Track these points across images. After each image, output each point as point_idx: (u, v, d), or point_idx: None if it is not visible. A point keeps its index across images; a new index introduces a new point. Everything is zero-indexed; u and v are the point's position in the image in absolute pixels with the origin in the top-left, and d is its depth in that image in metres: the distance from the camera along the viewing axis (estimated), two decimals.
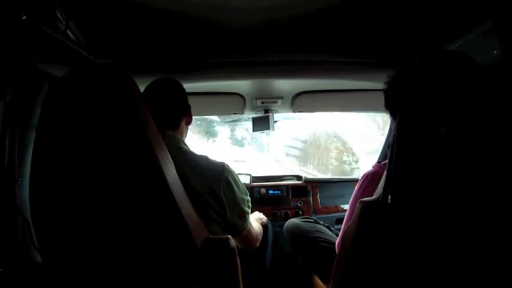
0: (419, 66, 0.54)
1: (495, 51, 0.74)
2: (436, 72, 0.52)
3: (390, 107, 0.94)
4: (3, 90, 0.76)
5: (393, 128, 1.00)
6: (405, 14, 0.86)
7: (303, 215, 1.65)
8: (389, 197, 0.54)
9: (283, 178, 1.89)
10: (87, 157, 0.52)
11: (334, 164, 2.81)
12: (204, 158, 0.82)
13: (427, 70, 0.53)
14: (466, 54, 0.53)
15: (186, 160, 0.78)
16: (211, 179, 0.78)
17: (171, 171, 0.54)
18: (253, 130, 1.67)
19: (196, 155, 0.82)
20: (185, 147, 0.84)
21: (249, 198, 0.89)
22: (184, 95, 0.92)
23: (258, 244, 0.99)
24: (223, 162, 0.84)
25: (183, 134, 0.91)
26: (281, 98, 1.46)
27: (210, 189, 0.77)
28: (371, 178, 0.90)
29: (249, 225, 0.90)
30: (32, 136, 0.83)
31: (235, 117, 1.89)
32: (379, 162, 0.97)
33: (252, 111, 1.63)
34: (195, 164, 0.79)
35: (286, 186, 1.79)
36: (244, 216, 0.87)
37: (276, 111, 1.64)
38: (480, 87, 0.51)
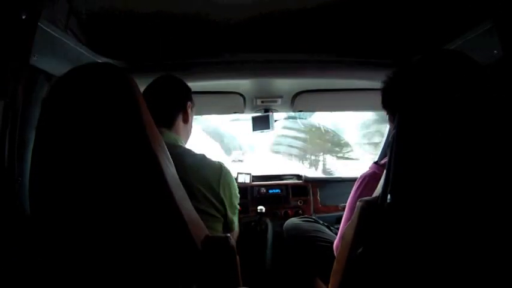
0: (420, 65, 0.54)
1: (495, 51, 0.74)
2: (436, 72, 0.52)
3: (389, 106, 0.94)
4: (2, 89, 0.75)
5: (392, 127, 1.00)
6: (405, 13, 0.86)
7: (303, 214, 1.65)
8: (389, 197, 0.54)
9: (283, 177, 1.89)
10: (87, 156, 0.52)
11: None
12: (202, 157, 0.83)
13: (427, 70, 0.53)
14: (466, 54, 0.53)
15: (184, 159, 0.78)
16: (211, 177, 0.80)
17: (170, 171, 0.54)
18: (253, 129, 1.67)
19: (194, 153, 0.83)
20: (182, 145, 0.84)
21: (238, 195, 0.92)
22: (180, 91, 0.91)
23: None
24: (220, 162, 0.85)
25: (179, 132, 0.89)
26: (281, 97, 1.46)
27: (209, 187, 0.78)
28: (368, 179, 0.90)
29: (236, 222, 0.94)
30: (32, 136, 0.83)
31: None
32: (375, 163, 0.97)
33: (252, 111, 1.63)
34: (193, 162, 0.79)
35: (286, 185, 1.79)
36: (236, 214, 0.91)
37: (276, 111, 1.64)
38: (480, 87, 0.51)
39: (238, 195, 0.91)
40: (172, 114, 0.88)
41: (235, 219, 0.91)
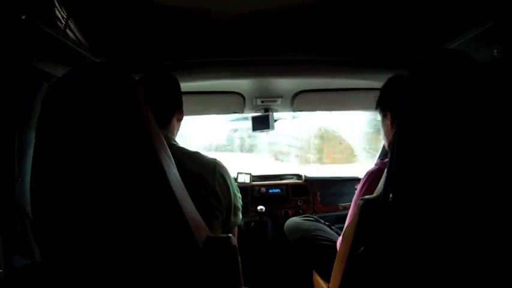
0: (420, 65, 0.54)
1: (495, 51, 0.74)
2: (436, 72, 0.52)
3: (390, 106, 0.94)
4: (2, 90, 0.75)
5: (387, 126, 1.01)
6: (405, 13, 0.86)
7: (303, 214, 1.65)
8: (391, 195, 0.54)
9: (283, 177, 1.90)
10: (88, 156, 0.52)
11: None
12: (197, 154, 0.82)
13: (428, 69, 0.53)
14: (467, 54, 0.53)
15: (178, 157, 0.76)
16: (206, 174, 0.78)
17: (172, 170, 0.54)
18: (253, 129, 1.67)
19: (188, 151, 0.82)
20: (176, 144, 0.83)
21: (240, 195, 0.90)
22: (177, 90, 0.90)
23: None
24: (216, 158, 0.84)
25: (174, 130, 0.89)
26: (281, 97, 1.46)
27: (204, 184, 0.77)
28: (374, 176, 0.90)
29: (239, 222, 0.91)
30: (32, 136, 0.83)
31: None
32: (381, 159, 0.98)
33: (252, 110, 1.63)
34: (188, 160, 0.78)
35: (287, 185, 1.79)
36: (237, 213, 0.88)
37: (276, 110, 1.64)
38: (480, 87, 0.51)
39: (239, 194, 0.89)
40: (170, 115, 0.87)
41: (237, 219, 0.89)
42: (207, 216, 0.77)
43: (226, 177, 0.83)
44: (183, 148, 0.83)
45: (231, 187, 0.84)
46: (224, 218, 0.83)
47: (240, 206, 0.89)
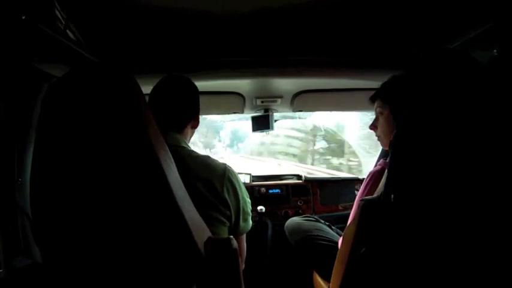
0: (422, 65, 0.54)
1: (495, 51, 0.74)
2: (438, 72, 0.52)
3: (392, 106, 0.94)
4: (3, 90, 0.75)
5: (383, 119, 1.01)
6: (405, 13, 0.86)
7: (303, 214, 1.65)
8: (392, 196, 0.54)
9: (283, 177, 1.90)
10: (88, 157, 0.52)
11: None
12: (206, 158, 0.81)
13: (430, 69, 0.53)
14: (468, 53, 0.53)
15: (188, 160, 0.76)
16: (214, 179, 0.77)
17: (172, 172, 0.54)
18: (253, 130, 1.67)
19: (198, 155, 0.81)
20: (187, 147, 0.83)
21: (249, 200, 0.88)
22: (194, 97, 0.89)
23: (243, 256, 0.95)
24: (225, 163, 0.83)
25: (187, 136, 0.89)
26: (281, 97, 1.46)
27: (213, 189, 0.76)
28: (377, 176, 0.90)
29: (249, 228, 0.89)
30: (32, 136, 0.83)
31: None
32: (384, 159, 0.97)
33: (252, 111, 1.63)
34: (197, 164, 0.78)
35: (286, 185, 1.79)
36: (246, 218, 0.87)
37: (276, 111, 1.64)
38: (481, 87, 0.51)
39: (249, 199, 0.87)
40: (185, 121, 0.87)
41: (247, 224, 0.87)
42: (215, 222, 0.76)
43: (235, 183, 0.82)
44: (193, 152, 0.82)
45: (240, 192, 0.82)
46: (233, 224, 0.82)
47: (249, 211, 0.88)
